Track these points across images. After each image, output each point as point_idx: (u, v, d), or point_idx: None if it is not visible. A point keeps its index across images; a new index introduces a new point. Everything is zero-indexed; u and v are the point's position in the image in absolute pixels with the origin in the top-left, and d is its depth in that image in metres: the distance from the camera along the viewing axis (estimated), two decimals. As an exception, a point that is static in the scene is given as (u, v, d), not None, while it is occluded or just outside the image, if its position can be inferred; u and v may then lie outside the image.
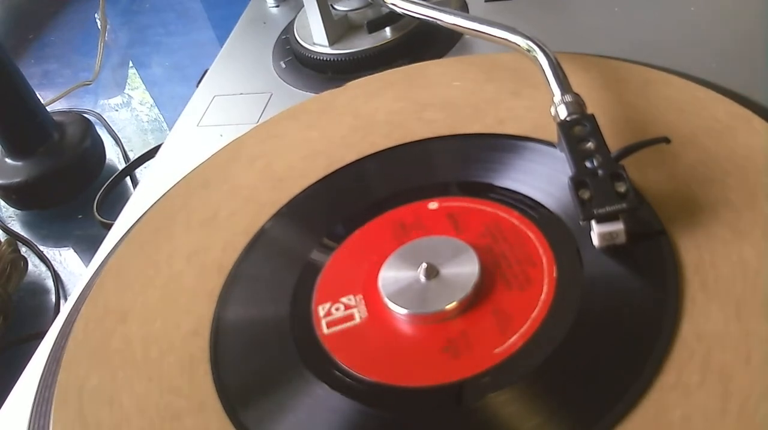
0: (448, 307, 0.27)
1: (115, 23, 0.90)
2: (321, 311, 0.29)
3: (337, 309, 0.29)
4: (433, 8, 0.41)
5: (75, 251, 0.58)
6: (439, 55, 0.44)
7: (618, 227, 0.27)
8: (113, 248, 0.37)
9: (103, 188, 0.59)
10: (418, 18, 0.42)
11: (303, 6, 0.46)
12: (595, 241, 0.28)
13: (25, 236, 0.60)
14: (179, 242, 0.35)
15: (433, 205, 0.32)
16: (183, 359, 0.29)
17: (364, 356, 0.27)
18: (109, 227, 0.40)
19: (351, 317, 0.29)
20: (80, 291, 0.36)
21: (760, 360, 0.23)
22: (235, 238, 0.34)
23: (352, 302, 0.29)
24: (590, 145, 0.29)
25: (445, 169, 0.35)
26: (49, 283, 0.55)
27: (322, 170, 0.36)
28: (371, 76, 0.42)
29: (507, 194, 0.31)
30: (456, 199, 0.32)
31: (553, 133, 0.31)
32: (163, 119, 0.72)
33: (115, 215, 0.42)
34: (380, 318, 0.28)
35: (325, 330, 0.28)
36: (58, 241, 0.59)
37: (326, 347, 0.28)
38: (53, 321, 0.35)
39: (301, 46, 0.47)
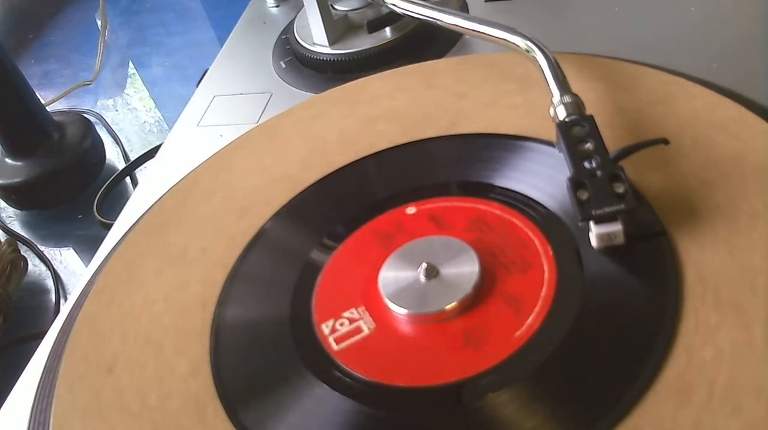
0: (448, 307, 0.27)
1: (115, 23, 0.90)
2: (325, 329, 0.29)
3: (341, 325, 0.29)
4: (433, 8, 0.41)
5: (75, 251, 0.58)
6: (440, 55, 0.44)
7: (616, 227, 0.27)
8: (118, 242, 0.37)
9: (103, 188, 0.59)
10: (418, 18, 0.42)
11: (303, 6, 0.47)
12: (594, 242, 0.28)
13: (25, 236, 0.60)
14: (177, 242, 0.35)
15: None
16: (182, 359, 0.29)
17: (364, 356, 0.27)
18: (109, 227, 0.41)
19: (358, 330, 0.28)
20: (80, 291, 0.36)
21: (762, 363, 0.23)
22: (235, 238, 0.34)
23: (356, 315, 0.29)
24: (589, 145, 0.29)
25: (445, 170, 0.35)
26: (49, 283, 0.55)
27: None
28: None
29: (507, 194, 0.32)
30: (456, 199, 0.32)
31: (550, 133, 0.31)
32: (163, 119, 0.72)
33: (115, 215, 0.42)
34: (380, 318, 0.28)
35: (334, 346, 0.28)
36: (58, 241, 0.59)
37: (326, 347, 0.28)
38: (53, 321, 0.35)
39: (301, 46, 0.47)
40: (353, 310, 0.29)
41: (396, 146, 0.36)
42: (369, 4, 0.46)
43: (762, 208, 0.27)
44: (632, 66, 0.36)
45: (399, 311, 0.28)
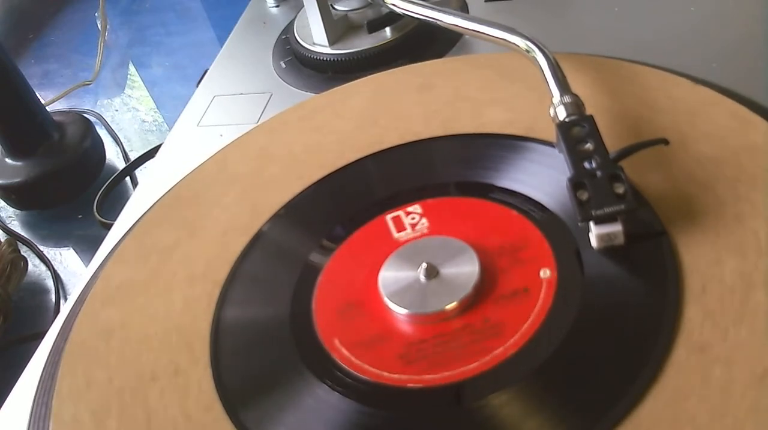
0: (448, 307, 0.27)
1: (115, 23, 0.90)
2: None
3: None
4: (433, 8, 0.41)
5: (75, 251, 0.58)
6: (439, 55, 0.44)
7: (616, 228, 0.27)
8: (117, 243, 0.37)
9: (103, 188, 0.59)
10: (418, 18, 0.42)
11: (303, 6, 0.47)
12: (594, 242, 0.27)
13: (25, 236, 0.60)
14: (177, 243, 0.35)
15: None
16: (183, 359, 0.29)
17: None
18: (109, 227, 0.41)
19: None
20: (80, 291, 0.36)
21: (760, 362, 0.23)
22: (235, 238, 0.34)
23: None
24: (589, 146, 0.29)
25: (445, 170, 0.35)
26: (49, 283, 0.55)
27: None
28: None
29: (507, 194, 0.32)
30: (456, 199, 0.32)
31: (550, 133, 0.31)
32: (163, 119, 0.72)
33: (115, 215, 0.42)
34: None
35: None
36: (58, 241, 0.59)
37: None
38: (53, 321, 0.35)
39: (301, 46, 0.47)
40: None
41: (396, 146, 0.36)
42: (369, 4, 0.46)
43: (762, 208, 0.27)
44: (632, 66, 0.36)
45: (399, 310, 0.28)
